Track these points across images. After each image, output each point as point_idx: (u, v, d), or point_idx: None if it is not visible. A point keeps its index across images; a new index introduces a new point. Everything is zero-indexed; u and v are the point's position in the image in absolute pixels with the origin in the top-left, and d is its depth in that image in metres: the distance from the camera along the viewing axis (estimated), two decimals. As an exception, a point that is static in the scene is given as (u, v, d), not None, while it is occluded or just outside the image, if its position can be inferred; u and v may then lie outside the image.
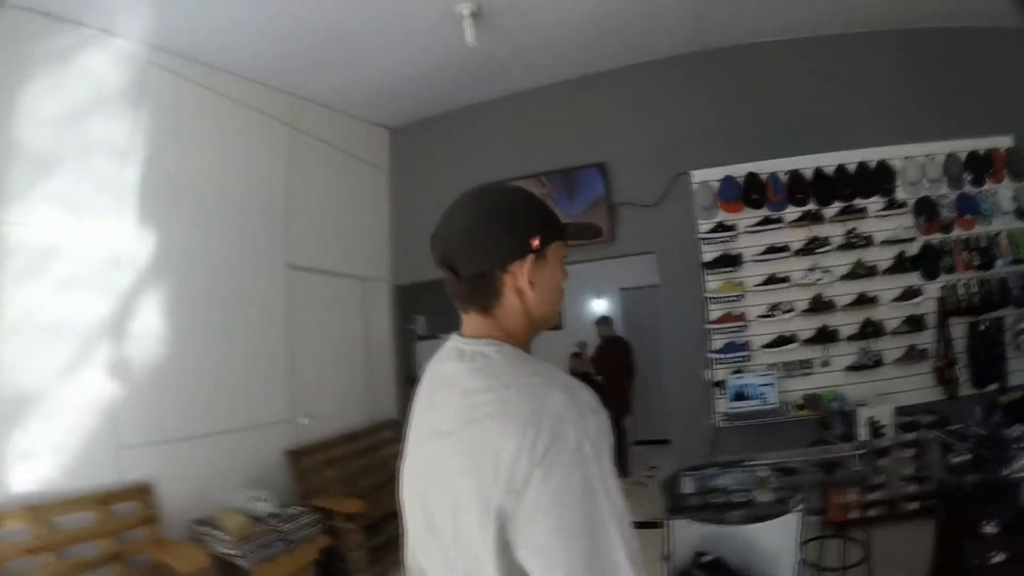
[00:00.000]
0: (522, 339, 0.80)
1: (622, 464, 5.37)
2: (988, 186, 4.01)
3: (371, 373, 4.44)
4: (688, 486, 2.61)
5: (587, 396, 0.65)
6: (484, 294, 0.77)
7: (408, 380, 5.46)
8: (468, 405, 0.69)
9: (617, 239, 3.78)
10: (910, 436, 3.56)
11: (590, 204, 3.84)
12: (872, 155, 3.85)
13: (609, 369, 5.41)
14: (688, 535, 2.31)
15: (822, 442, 3.62)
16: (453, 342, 0.81)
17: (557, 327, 6.64)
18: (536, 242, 0.77)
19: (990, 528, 2.21)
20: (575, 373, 5.68)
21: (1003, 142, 4.12)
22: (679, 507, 2.40)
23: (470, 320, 0.81)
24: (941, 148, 3.98)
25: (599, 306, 6.86)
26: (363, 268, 4.45)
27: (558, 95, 4.11)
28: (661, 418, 5.94)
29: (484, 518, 0.62)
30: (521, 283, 0.77)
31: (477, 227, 0.77)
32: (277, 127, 3.76)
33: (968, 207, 3.93)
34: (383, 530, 3.44)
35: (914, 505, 3.51)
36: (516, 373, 0.70)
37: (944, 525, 2.46)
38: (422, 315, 5.99)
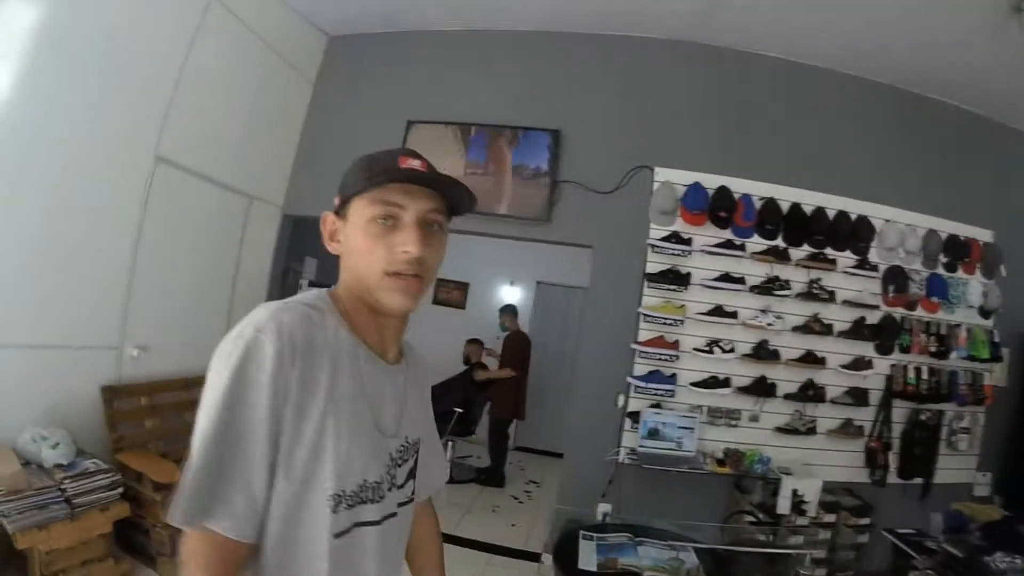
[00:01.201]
0: (346, 297, 0.79)
1: (499, 473, 4.82)
2: (960, 274, 3.74)
3: (234, 311, 3.68)
4: (588, 557, 2.07)
5: (245, 328, 0.68)
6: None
7: None
8: None
9: (552, 222, 3.22)
10: (830, 518, 3.20)
11: (529, 175, 3.26)
12: (855, 207, 3.48)
13: (512, 365, 4.79)
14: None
15: (741, 513, 3.18)
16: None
17: (460, 307, 6.26)
18: (336, 200, 0.80)
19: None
20: (468, 361, 5.13)
21: (983, 235, 3.87)
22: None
23: None
24: (924, 221, 3.68)
25: (511, 295, 6.26)
26: (252, 185, 3.68)
27: (526, 44, 3.55)
28: (552, 429, 5.68)
29: None
30: (327, 240, 0.82)
31: None
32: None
33: (937, 289, 3.62)
34: None
35: None
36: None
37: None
38: (315, 257, 5.24)
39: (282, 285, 4.29)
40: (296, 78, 3.88)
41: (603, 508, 3.28)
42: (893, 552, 2.75)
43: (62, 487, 2.20)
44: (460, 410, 4.61)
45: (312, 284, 5.05)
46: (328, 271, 5.23)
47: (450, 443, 4.84)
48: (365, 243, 0.74)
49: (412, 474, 0.84)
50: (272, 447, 0.65)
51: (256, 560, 0.67)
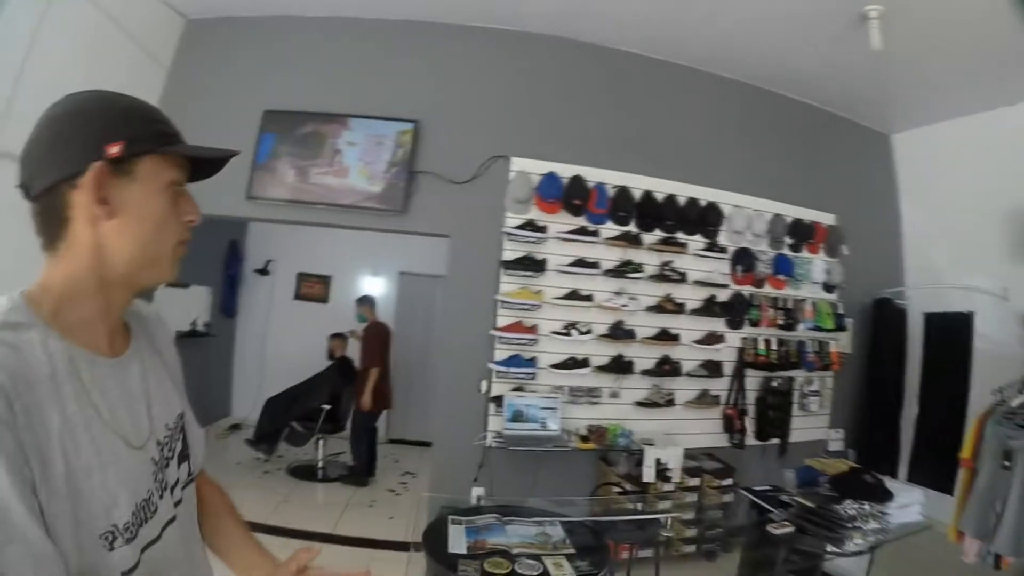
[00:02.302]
0: (62, 294, 0.61)
1: (369, 465, 4.76)
2: (804, 254, 4.07)
3: None
4: (458, 541, 2.10)
5: None
6: (49, 222, 0.62)
7: None
8: None
9: (409, 212, 3.24)
10: (695, 482, 3.45)
11: (387, 166, 3.26)
12: (705, 194, 3.71)
13: (372, 358, 4.66)
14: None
15: (608, 485, 3.34)
16: None
17: (322, 301, 6.15)
18: (116, 149, 0.61)
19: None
20: (332, 355, 5.07)
21: (827, 219, 4.23)
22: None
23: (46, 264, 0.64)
24: (771, 207, 3.98)
25: (374, 286, 6.23)
26: None
27: (390, 33, 3.52)
28: (421, 419, 5.70)
29: None
30: (88, 203, 0.60)
31: (46, 129, 0.63)
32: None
33: (783, 268, 3.93)
34: None
35: (690, 548, 3.44)
36: None
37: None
38: None
39: None
40: (148, 63, 3.57)
41: (476, 492, 3.37)
42: (753, 508, 2.95)
43: None
44: (328, 406, 4.53)
45: (173, 285, 4.78)
46: (182, 271, 4.96)
47: (320, 441, 4.77)
48: (165, 210, 0.66)
49: (185, 455, 0.77)
50: (34, 518, 0.52)
51: None
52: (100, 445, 0.61)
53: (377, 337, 4.74)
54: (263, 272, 5.92)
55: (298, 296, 6.16)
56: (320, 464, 4.79)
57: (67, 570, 0.54)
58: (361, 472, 4.65)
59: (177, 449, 0.75)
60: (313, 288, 6.23)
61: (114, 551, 0.59)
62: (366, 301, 4.98)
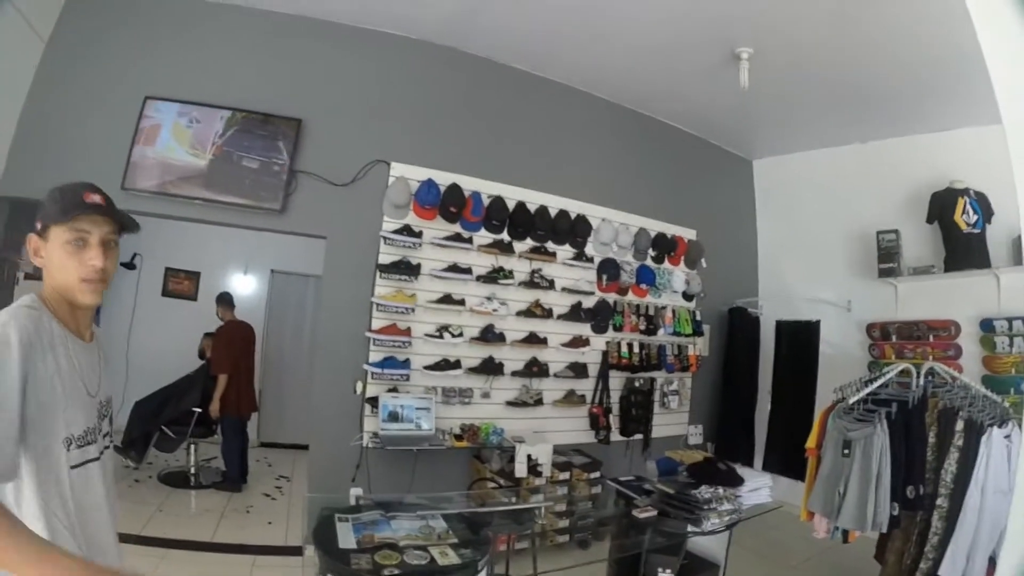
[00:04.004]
0: (51, 297, 1.07)
1: (241, 470, 4.60)
2: (666, 265, 4.51)
3: None
4: (347, 537, 2.11)
5: None
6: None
7: None
8: None
9: (287, 212, 3.24)
10: (564, 476, 3.65)
11: (266, 163, 3.23)
12: (575, 207, 4.02)
13: (222, 363, 4.43)
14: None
15: (483, 481, 3.49)
16: None
17: (191, 298, 5.84)
18: (39, 225, 1.06)
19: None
20: (203, 355, 4.87)
21: (689, 233, 4.71)
22: (341, 573, 1.87)
23: None
24: (637, 221, 4.37)
25: (246, 284, 6.04)
26: None
27: (280, 27, 3.45)
28: (295, 421, 5.59)
29: None
30: (32, 255, 1.09)
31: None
32: None
33: (646, 278, 4.33)
34: None
35: (564, 538, 3.60)
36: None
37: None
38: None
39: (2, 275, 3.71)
40: (24, 34, 3.18)
41: (355, 492, 3.39)
42: (619, 497, 3.18)
43: None
44: (199, 409, 4.33)
45: (28, 276, 4.46)
46: None
47: (192, 446, 4.55)
48: (63, 259, 1.03)
49: (110, 423, 1.18)
50: (21, 410, 0.90)
51: (13, 506, 0.92)
52: (72, 385, 1.02)
53: (226, 339, 4.54)
54: (129, 266, 5.48)
55: (166, 293, 5.80)
56: (192, 470, 4.57)
57: (35, 453, 0.94)
58: (234, 478, 4.50)
59: (108, 414, 1.18)
60: (181, 284, 5.90)
61: (69, 451, 0.99)
62: (222, 300, 4.76)
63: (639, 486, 2.89)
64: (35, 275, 3.72)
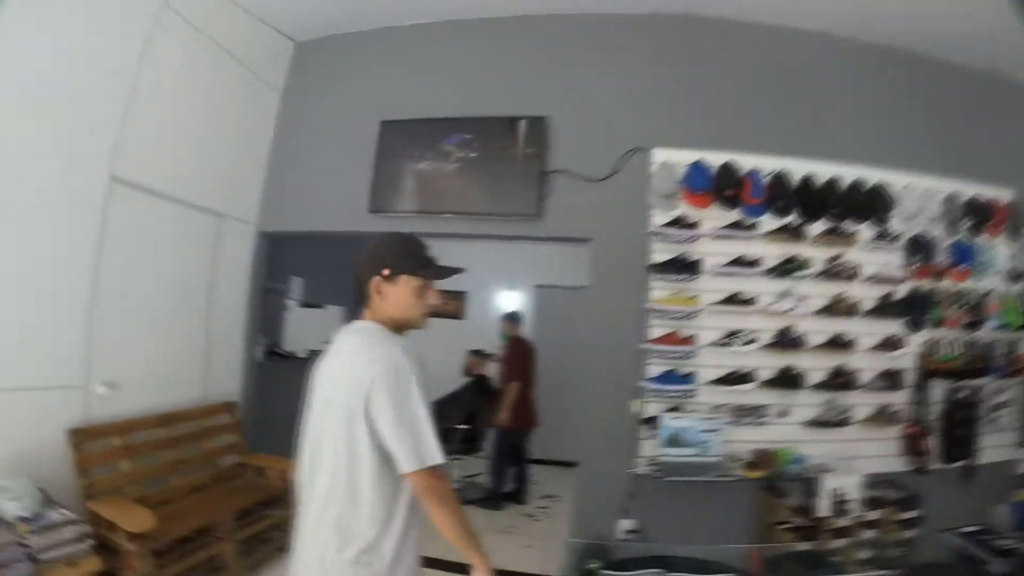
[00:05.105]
0: (389, 325, 1.30)
1: (519, 491, 4.47)
2: (984, 238, 3.47)
3: (211, 339, 3.42)
4: None
5: (389, 354, 1.22)
6: (364, 293, 1.34)
7: (272, 353, 4.49)
8: (349, 352, 1.28)
9: (545, 216, 2.93)
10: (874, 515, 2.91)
11: (517, 168, 2.97)
12: (869, 175, 3.20)
13: (512, 372, 4.43)
14: None
15: (777, 524, 2.88)
16: (354, 323, 1.34)
17: (457, 318, 6.07)
18: (386, 271, 1.29)
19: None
20: (469, 372, 4.84)
21: (1004, 195, 3.61)
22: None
23: (366, 311, 1.34)
24: (941, 186, 3.41)
25: (510, 300, 6.02)
26: (221, 202, 3.42)
27: (505, 31, 3.30)
28: (562, 438, 5.25)
29: (359, 401, 1.19)
30: (374, 291, 1.31)
31: (366, 254, 1.34)
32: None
33: (964, 256, 3.34)
34: (188, 552, 2.55)
35: None
36: (372, 340, 1.26)
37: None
38: (300, 276, 4.97)
39: (263, 306, 4.03)
40: (263, 89, 3.65)
41: (626, 525, 2.99)
42: (956, 553, 2.41)
43: (24, 542, 1.99)
44: (465, 427, 4.30)
45: (307, 305, 4.98)
46: (314, 290, 5.11)
47: (455, 461, 4.54)
48: (411, 299, 1.30)
49: None
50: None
51: (400, 485, 1.22)
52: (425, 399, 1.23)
53: (518, 351, 4.52)
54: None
55: (432, 313, 6.06)
56: (455, 485, 4.59)
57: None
58: (497, 495, 4.40)
59: None
60: (448, 305, 6.01)
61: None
62: (510, 317, 4.77)
63: (990, 542, 2.31)
64: (310, 301, 4.38)
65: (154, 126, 2.86)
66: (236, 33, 3.32)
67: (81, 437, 2.51)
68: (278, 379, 4.03)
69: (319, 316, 5.03)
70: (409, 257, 1.29)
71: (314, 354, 1.35)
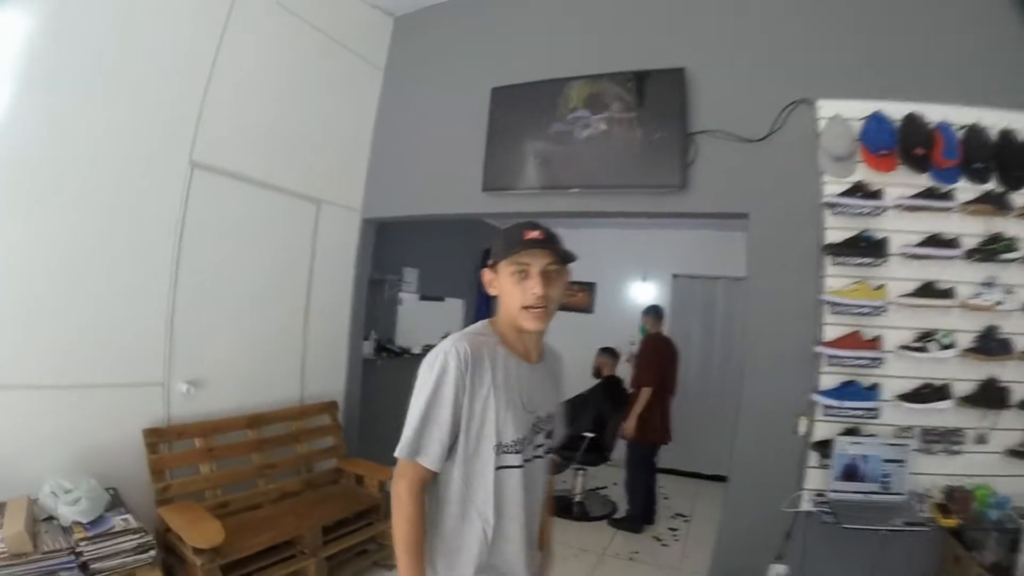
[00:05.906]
0: (502, 321, 1.21)
1: (648, 509, 3.88)
2: None
3: (310, 334, 3.22)
4: None
5: (438, 348, 1.12)
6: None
7: (382, 349, 4.17)
8: None
9: (689, 188, 2.29)
10: None
11: (653, 132, 2.33)
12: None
13: (645, 375, 3.81)
14: None
15: None
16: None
17: (586, 311, 5.63)
18: (491, 262, 1.20)
19: None
20: (599, 373, 4.31)
21: None
22: None
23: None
24: None
25: (644, 292, 5.42)
26: (321, 188, 3.20)
27: None
28: (699, 447, 4.81)
29: None
30: (488, 287, 1.22)
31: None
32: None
33: None
34: (265, 568, 2.30)
35: None
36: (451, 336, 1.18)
37: None
38: (415, 268, 4.59)
39: (373, 296, 3.80)
40: (364, 67, 3.45)
41: (778, 571, 2.34)
42: None
43: (77, 550, 1.84)
44: (592, 435, 3.75)
45: (425, 298, 4.80)
46: (428, 282, 4.81)
47: (580, 473, 4.08)
48: (510, 289, 1.16)
49: (549, 435, 1.26)
50: (454, 419, 1.09)
51: (442, 487, 1.13)
52: (508, 400, 1.14)
53: (656, 350, 3.88)
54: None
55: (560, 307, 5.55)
56: (577, 498, 4.06)
57: (462, 451, 1.11)
58: (637, 516, 3.81)
59: (546, 428, 1.25)
60: (575, 297, 5.53)
61: (497, 455, 1.12)
62: (651, 312, 4.13)
63: None
64: (425, 293, 4.68)
65: (236, 109, 2.67)
66: (336, 14, 3.16)
67: (156, 437, 2.38)
68: (388, 377, 3.90)
69: (438, 308, 4.84)
70: (505, 242, 1.16)
71: (428, 349, 1.19)
